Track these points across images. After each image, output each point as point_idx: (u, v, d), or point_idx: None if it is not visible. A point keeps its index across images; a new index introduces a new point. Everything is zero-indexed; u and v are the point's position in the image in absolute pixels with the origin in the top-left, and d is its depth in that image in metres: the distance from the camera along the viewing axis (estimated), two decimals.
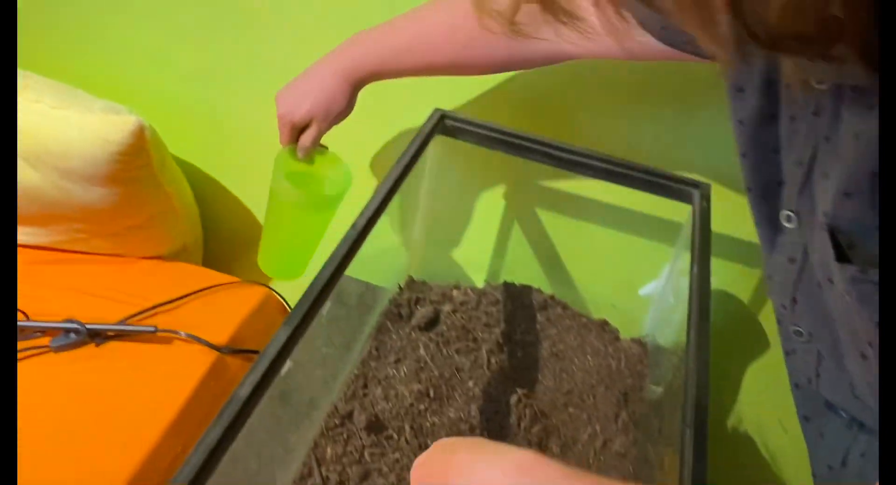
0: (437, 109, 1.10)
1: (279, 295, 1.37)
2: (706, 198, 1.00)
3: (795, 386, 0.78)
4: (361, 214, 0.86)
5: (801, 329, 0.68)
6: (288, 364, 0.73)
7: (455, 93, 1.20)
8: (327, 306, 0.85)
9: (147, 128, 1.19)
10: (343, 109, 1.02)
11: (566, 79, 1.13)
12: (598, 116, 1.17)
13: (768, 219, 0.65)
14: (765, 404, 1.30)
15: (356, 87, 1.01)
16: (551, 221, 1.29)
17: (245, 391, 0.62)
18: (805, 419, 0.78)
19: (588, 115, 1.17)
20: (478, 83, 1.18)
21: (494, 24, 0.48)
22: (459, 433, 0.96)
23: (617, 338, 1.13)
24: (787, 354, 0.75)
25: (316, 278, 0.76)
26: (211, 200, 1.49)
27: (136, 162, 1.20)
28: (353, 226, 0.84)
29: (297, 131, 1.05)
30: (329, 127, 1.04)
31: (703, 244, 0.93)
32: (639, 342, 1.12)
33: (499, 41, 0.91)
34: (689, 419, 0.66)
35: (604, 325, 1.15)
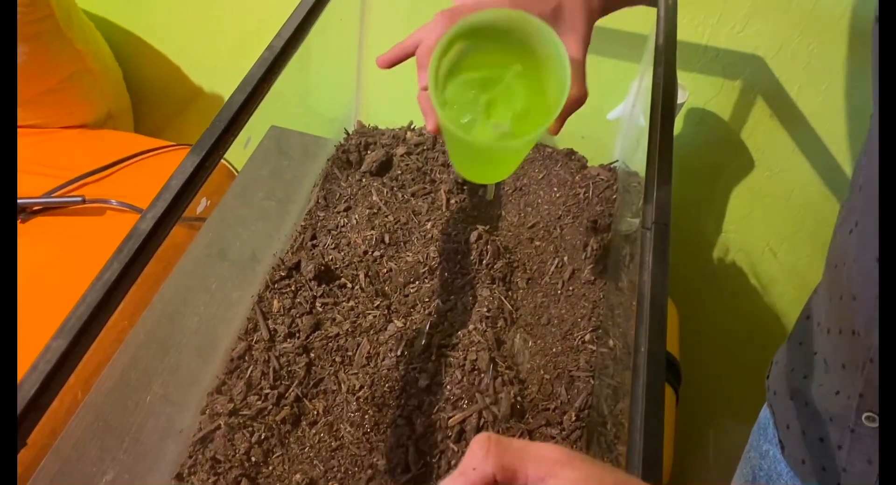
0: None
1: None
2: None
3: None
4: (278, 34, 0.80)
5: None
6: (204, 202, 0.69)
7: None
8: (252, 139, 0.80)
9: None
10: None
11: None
12: None
13: None
14: (751, 229, 1.28)
15: None
16: None
17: (146, 225, 0.58)
18: None
19: None
20: None
21: None
22: (418, 277, 0.94)
23: (584, 166, 1.09)
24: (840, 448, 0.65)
25: (228, 101, 0.71)
26: (134, 59, 1.41)
27: (36, 13, 1.12)
28: (269, 48, 0.78)
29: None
30: None
31: (668, 45, 0.88)
32: (608, 168, 1.08)
33: None
34: (650, 221, 0.63)
35: (570, 154, 1.10)
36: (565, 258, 0.96)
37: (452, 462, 0.75)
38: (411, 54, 0.64)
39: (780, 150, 1.18)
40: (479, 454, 0.38)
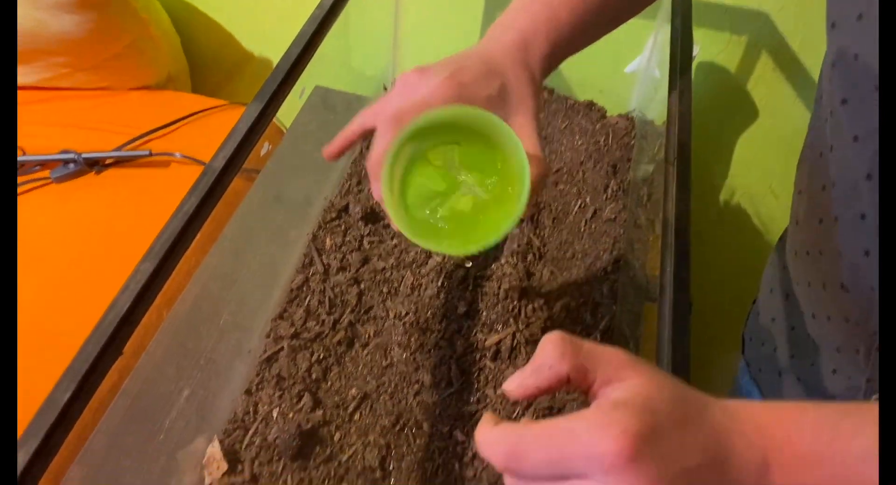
0: None
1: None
2: None
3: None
4: None
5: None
6: (266, 146, 0.69)
7: None
8: (305, 90, 0.80)
9: None
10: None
11: None
12: None
13: None
14: (755, 173, 1.27)
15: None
16: None
17: (218, 164, 0.58)
18: None
19: None
20: None
21: None
22: None
23: (604, 116, 1.07)
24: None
25: (284, 55, 0.70)
26: (191, 27, 1.40)
27: None
28: (320, 6, 0.78)
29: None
30: None
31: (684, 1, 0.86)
32: (626, 117, 1.06)
33: None
34: (673, 156, 0.62)
35: (591, 105, 1.09)
36: (587, 199, 0.95)
37: (490, 378, 0.76)
38: (355, 141, 0.57)
39: (782, 100, 1.16)
40: (554, 354, 0.36)
